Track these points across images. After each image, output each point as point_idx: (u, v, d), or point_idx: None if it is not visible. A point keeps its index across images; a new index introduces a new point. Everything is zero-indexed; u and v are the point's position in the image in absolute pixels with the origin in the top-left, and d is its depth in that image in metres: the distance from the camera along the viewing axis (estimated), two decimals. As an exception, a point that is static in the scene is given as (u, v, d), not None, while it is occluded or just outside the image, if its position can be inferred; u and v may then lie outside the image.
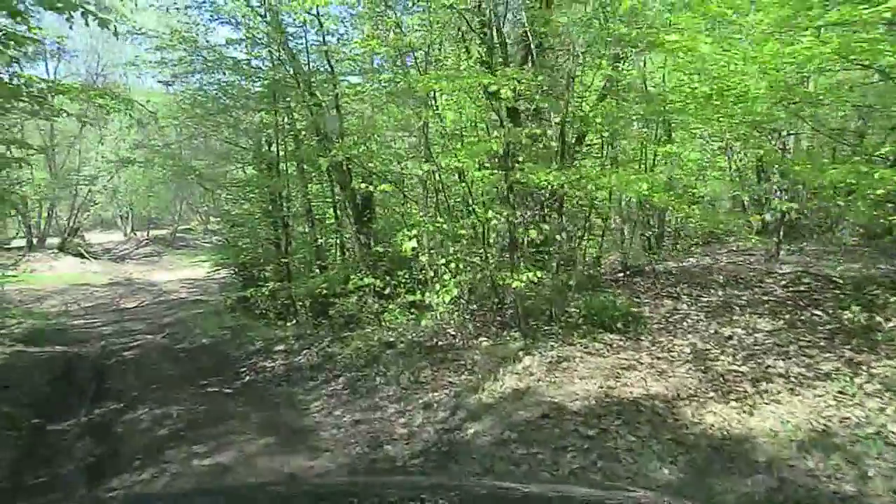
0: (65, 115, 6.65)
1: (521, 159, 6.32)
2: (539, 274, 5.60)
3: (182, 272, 22.46)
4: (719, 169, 10.93)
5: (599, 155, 8.75)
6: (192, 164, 14.26)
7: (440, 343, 6.30)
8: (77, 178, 23.29)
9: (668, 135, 8.74)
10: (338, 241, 10.84)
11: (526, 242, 6.19)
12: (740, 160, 10.80)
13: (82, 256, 23.26)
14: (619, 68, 7.60)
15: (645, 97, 7.59)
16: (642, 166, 8.81)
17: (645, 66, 9.01)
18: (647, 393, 4.68)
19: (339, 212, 10.75)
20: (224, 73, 11.29)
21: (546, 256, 6.90)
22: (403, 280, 7.25)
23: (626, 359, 5.56)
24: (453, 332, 6.39)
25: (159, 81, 10.44)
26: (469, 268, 6.39)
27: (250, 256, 12.64)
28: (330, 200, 11.03)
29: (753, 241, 7.47)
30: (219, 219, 15.86)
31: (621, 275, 8.52)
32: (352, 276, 7.71)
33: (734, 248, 9.80)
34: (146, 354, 8.40)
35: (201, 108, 11.55)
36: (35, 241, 23.75)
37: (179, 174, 15.16)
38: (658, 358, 5.49)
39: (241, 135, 13.48)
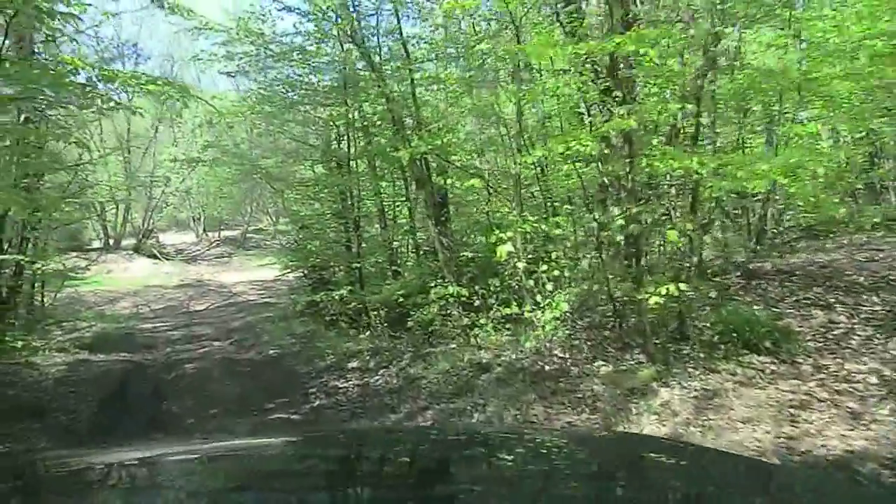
0: (117, 108, 5.96)
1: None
2: (682, 286, 4.43)
3: (251, 274, 22.21)
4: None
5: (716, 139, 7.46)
6: (260, 163, 13.74)
7: (547, 368, 5.22)
8: (151, 179, 23.44)
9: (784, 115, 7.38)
10: (412, 244, 9.91)
11: (660, 246, 5.04)
12: (850, 144, 9.43)
13: (155, 258, 23.40)
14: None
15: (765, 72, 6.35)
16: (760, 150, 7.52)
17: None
18: (850, 448, 3.47)
19: (413, 212, 9.86)
20: (291, 67, 10.60)
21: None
22: (494, 289, 6.20)
23: (791, 391, 4.34)
24: (561, 354, 5.30)
25: (223, 73, 9.72)
26: (578, 277, 5.28)
27: (320, 259, 11.93)
28: (403, 199, 10.14)
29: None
30: (288, 220, 15.29)
31: (735, 276, 7.20)
32: (431, 284, 6.75)
33: (846, 242, 8.33)
34: (209, 368, 7.69)
35: (269, 103, 10.87)
36: (111, 242, 24.08)
37: (248, 174, 14.68)
38: (837, 391, 4.25)
39: (309, 132, 12.85)
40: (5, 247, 9.79)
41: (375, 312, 7.78)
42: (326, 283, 11.91)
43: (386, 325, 7.85)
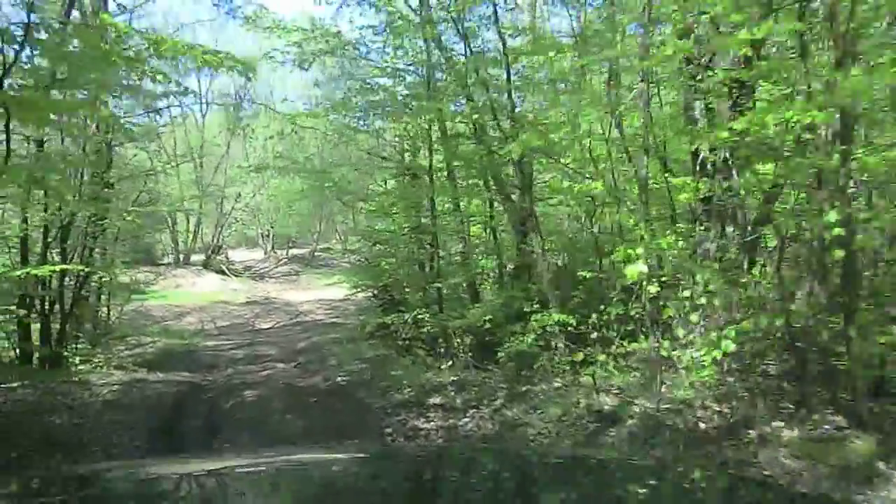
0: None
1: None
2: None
3: (319, 292, 21.67)
4: None
5: None
6: (331, 174, 13.07)
7: (703, 425, 4.01)
8: (222, 194, 23.38)
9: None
10: (496, 264, 8.85)
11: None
12: None
13: (224, 274, 23.21)
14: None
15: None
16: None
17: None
18: None
19: (495, 229, 8.82)
20: (367, 67, 9.85)
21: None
22: (612, 318, 5.02)
23: None
24: (718, 408, 4.08)
25: (296, 65, 9.02)
26: (742, 304, 4.07)
27: (392, 278, 11.04)
28: (488, 215, 9.11)
29: None
30: (358, 237, 14.55)
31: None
32: (525, 308, 5.67)
33: None
34: (270, 396, 6.80)
35: (344, 109, 10.11)
36: (181, 257, 24.10)
37: (318, 188, 14.04)
38: None
39: (384, 142, 12.07)
40: (69, 257, 9.34)
41: (459, 340, 6.72)
42: (397, 305, 11.01)
43: (471, 354, 6.77)
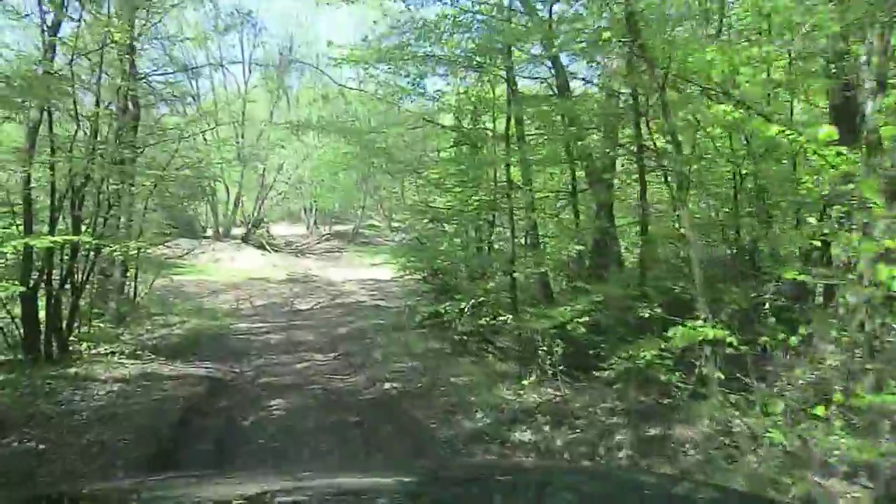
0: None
1: None
2: None
3: (362, 272, 20.39)
4: None
5: None
6: (380, 141, 11.59)
7: None
8: (263, 164, 22.19)
9: None
10: (578, 251, 7.24)
11: None
12: None
13: (264, 248, 22.13)
14: None
15: None
16: None
17: None
18: None
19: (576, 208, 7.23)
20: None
21: None
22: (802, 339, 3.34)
23: None
24: None
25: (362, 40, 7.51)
26: None
27: (448, 262, 9.55)
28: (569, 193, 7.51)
29: None
30: (407, 212, 13.07)
31: None
32: (648, 312, 4.08)
33: None
34: (303, 409, 5.37)
35: (399, 57, 8.53)
36: (221, 230, 23.13)
37: (365, 155, 12.54)
38: None
39: (441, 107, 10.49)
40: (87, 226, 8.11)
41: (546, 347, 5.14)
42: (449, 291, 9.55)
43: (557, 362, 5.20)
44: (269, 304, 14.28)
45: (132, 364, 7.13)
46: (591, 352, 5.04)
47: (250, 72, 22.80)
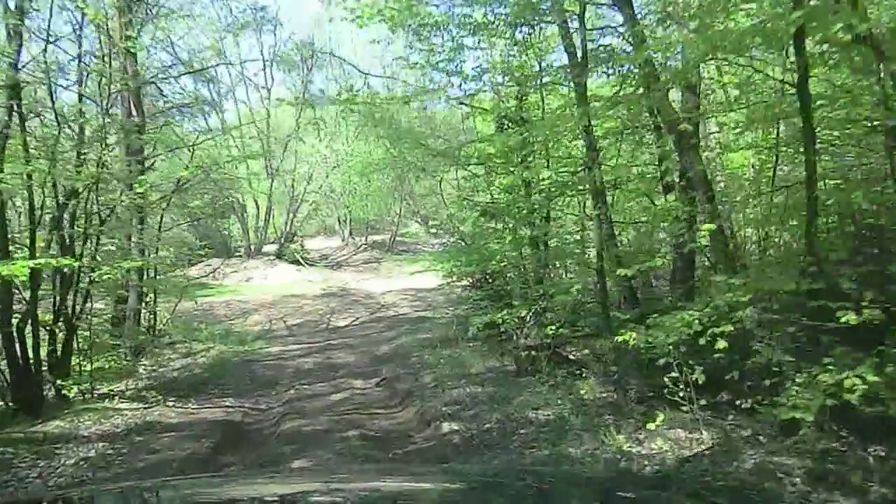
0: None
1: None
2: None
3: (402, 281, 19.06)
4: None
5: None
6: (416, 135, 10.24)
7: None
8: (292, 176, 21.09)
9: None
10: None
11: None
12: None
13: (298, 263, 20.98)
14: None
15: None
16: None
17: None
18: None
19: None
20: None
21: None
22: None
23: None
24: None
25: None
26: None
27: (504, 262, 8.10)
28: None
29: None
30: (452, 209, 11.64)
31: None
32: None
33: None
34: (336, 467, 3.94)
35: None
36: (253, 247, 22.10)
37: (398, 152, 11.18)
38: None
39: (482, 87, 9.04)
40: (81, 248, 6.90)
41: (681, 372, 3.56)
42: (502, 298, 8.13)
43: (702, 401, 3.60)
44: (303, 323, 13.03)
45: (133, 409, 5.85)
46: (729, 376, 3.48)
47: (273, 78, 21.77)
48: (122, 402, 6.13)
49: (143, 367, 8.99)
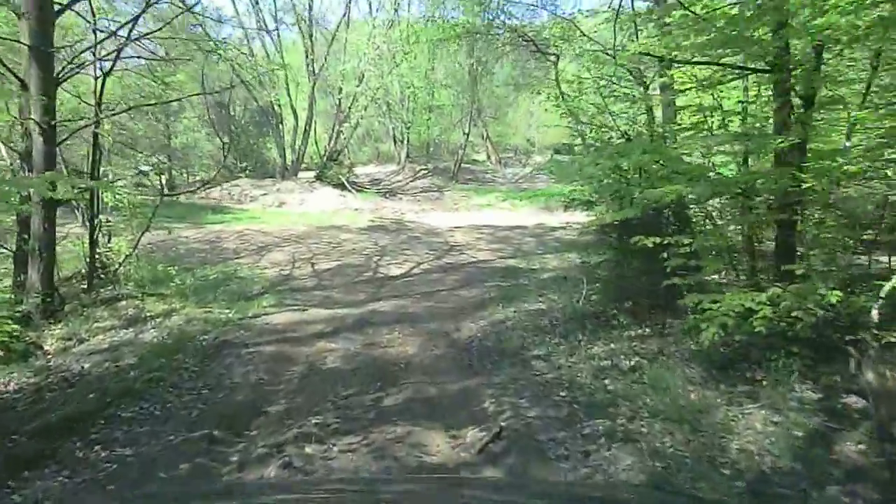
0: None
1: None
2: None
3: (472, 216, 14.68)
4: None
5: None
6: None
7: None
8: (340, 76, 16.59)
9: None
10: None
11: None
12: None
13: (343, 188, 16.76)
14: None
15: None
16: None
17: None
18: None
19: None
20: None
21: None
22: None
23: None
24: None
25: None
26: None
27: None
28: None
29: None
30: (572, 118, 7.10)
31: None
32: None
33: None
34: None
35: None
36: (290, 167, 17.97)
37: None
38: None
39: None
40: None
41: None
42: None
43: None
44: (339, 268, 8.78)
45: None
46: None
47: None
48: None
49: (52, 341, 5.09)
